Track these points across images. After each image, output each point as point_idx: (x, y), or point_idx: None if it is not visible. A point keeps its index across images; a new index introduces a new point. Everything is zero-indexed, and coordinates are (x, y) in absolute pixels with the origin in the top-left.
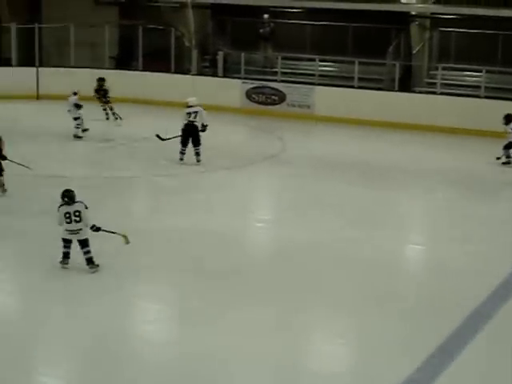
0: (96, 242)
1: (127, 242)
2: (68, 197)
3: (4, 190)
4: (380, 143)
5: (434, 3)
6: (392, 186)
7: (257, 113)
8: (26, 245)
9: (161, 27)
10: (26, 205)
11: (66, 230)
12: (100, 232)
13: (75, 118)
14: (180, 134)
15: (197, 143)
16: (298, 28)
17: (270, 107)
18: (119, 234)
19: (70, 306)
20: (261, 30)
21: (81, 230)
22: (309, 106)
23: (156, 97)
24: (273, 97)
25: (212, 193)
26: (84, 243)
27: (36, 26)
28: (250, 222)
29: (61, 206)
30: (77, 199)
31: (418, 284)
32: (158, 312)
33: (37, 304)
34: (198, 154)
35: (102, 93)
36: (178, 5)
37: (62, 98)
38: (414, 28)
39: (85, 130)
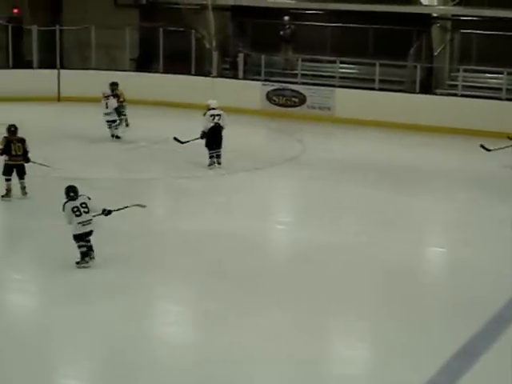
0: (114, 244)
1: (143, 206)
2: (74, 192)
3: (25, 193)
4: (401, 145)
5: (455, 5)
6: (412, 189)
7: (277, 115)
8: (48, 246)
9: (181, 29)
10: (47, 206)
11: (79, 223)
12: (114, 212)
13: (113, 121)
14: (199, 136)
15: (219, 145)
16: (318, 30)
17: (290, 109)
18: (132, 206)
19: (89, 307)
20: (281, 32)
21: (91, 220)
22: (329, 108)
23: (176, 99)
24: (293, 99)
25: (232, 195)
26: (91, 234)
27: (57, 28)
28: (270, 224)
29: (66, 202)
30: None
31: (438, 287)
32: (176, 314)
33: (55, 305)
34: (219, 156)
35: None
36: (198, 7)
37: (83, 100)
38: (435, 30)
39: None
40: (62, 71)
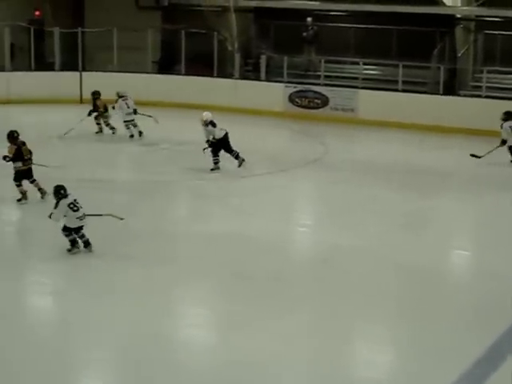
0: (134, 245)
1: (121, 219)
2: (64, 189)
3: (44, 192)
4: (424, 147)
5: (478, 6)
6: (436, 191)
7: (299, 117)
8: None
9: (203, 31)
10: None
11: (77, 218)
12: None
13: (131, 121)
14: (207, 145)
15: (231, 149)
16: (341, 31)
17: (312, 111)
18: (107, 215)
19: (109, 307)
20: (304, 34)
21: (84, 215)
22: (352, 110)
23: (198, 101)
24: (316, 100)
25: (254, 197)
26: (82, 228)
27: (79, 30)
28: (292, 226)
29: (60, 200)
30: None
31: (462, 290)
32: (197, 316)
33: (76, 304)
34: (238, 156)
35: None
36: (220, 9)
37: (105, 102)
38: (458, 31)
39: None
40: (84, 73)
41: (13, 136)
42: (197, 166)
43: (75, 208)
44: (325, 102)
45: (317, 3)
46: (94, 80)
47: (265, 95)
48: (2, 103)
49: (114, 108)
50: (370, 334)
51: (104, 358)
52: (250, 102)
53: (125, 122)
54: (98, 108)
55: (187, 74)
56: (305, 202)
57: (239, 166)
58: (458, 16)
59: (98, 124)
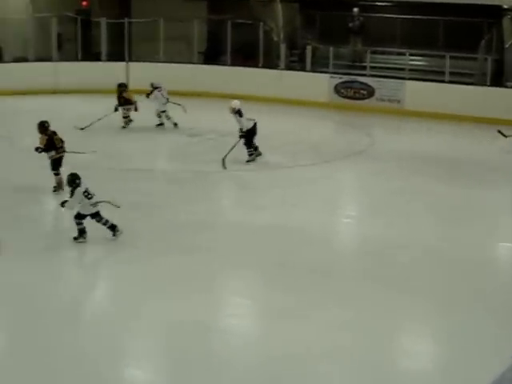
0: (179, 236)
1: (117, 206)
2: (78, 178)
3: (61, 189)
4: (470, 139)
5: None
6: (482, 183)
7: (345, 107)
8: (123, 237)
9: (249, 22)
10: (114, 198)
11: (91, 205)
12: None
13: (164, 111)
14: (239, 136)
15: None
16: (387, 22)
17: (358, 102)
18: (105, 202)
19: (155, 298)
20: (350, 24)
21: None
22: (398, 101)
23: (244, 92)
24: (361, 91)
25: (298, 188)
26: (98, 214)
27: (126, 20)
28: (337, 217)
29: (75, 188)
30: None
31: (510, 283)
32: (238, 307)
33: (122, 295)
34: (257, 148)
35: (122, 100)
36: None
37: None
38: (506, 21)
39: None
40: (130, 64)
41: (43, 126)
42: (241, 156)
43: (89, 196)
44: (371, 92)
45: None
46: (139, 70)
47: (310, 86)
48: (50, 93)
49: (148, 97)
50: (416, 327)
51: (147, 346)
52: (295, 93)
53: (159, 111)
54: (130, 100)
55: (233, 64)
56: (349, 194)
57: (247, 161)
58: (506, 7)
59: (124, 117)
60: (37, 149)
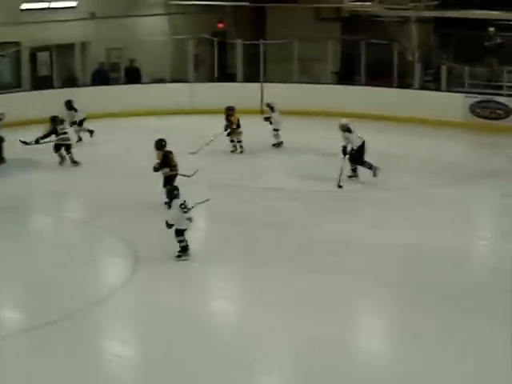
0: (312, 254)
1: (207, 200)
2: (177, 189)
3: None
4: None
5: None
6: None
7: (481, 127)
8: (257, 255)
9: (384, 42)
10: (251, 215)
11: (187, 219)
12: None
13: (278, 130)
14: (343, 154)
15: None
16: None
17: (494, 122)
18: (200, 202)
19: (286, 315)
20: (486, 43)
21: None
22: None
23: (378, 111)
24: (498, 111)
25: (433, 208)
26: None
27: (261, 42)
28: (473, 239)
29: (172, 199)
30: None
31: None
32: (372, 327)
33: (252, 311)
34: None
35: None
36: (401, 19)
37: (285, 113)
38: None
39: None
40: (264, 84)
41: (160, 144)
42: (379, 177)
43: (186, 209)
44: (507, 112)
45: (499, 13)
46: (274, 91)
47: (445, 105)
48: (186, 113)
49: (267, 120)
50: None
51: (280, 361)
52: (430, 113)
53: (274, 130)
54: (232, 124)
55: (367, 84)
56: (486, 215)
57: (374, 175)
58: None
59: (231, 141)
60: (155, 167)
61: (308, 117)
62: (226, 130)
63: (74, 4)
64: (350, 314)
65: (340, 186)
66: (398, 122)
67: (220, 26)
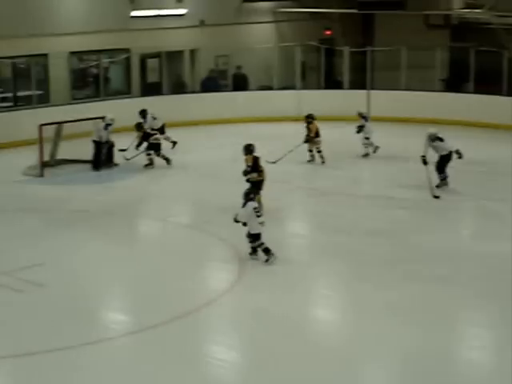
0: (426, 263)
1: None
2: (254, 194)
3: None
4: None
5: None
6: None
7: None
8: (363, 264)
9: (493, 49)
10: (357, 224)
11: (260, 223)
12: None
13: (369, 139)
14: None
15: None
16: None
17: None
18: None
19: (390, 324)
20: None
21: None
22: None
23: (488, 119)
24: None
25: None
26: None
27: (368, 49)
28: None
29: (247, 201)
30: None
31: None
32: (481, 339)
33: (366, 322)
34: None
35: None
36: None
37: (392, 120)
38: None
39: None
40: (371, 92)
41: (248, 149)
42: (487, 186)
43: (259, 213)
44: None
45: None
46: (380, 99)
47: None
48: (293, 120)
49: (360, 129)
50: None
51: (385, 371)
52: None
53: (366, 138)
54: (310, 132)
55: (476, 92)
56: None
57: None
58: None
59: (309, 151)
60: (245, 171)
61: (413, 124)
62: (306, 141)
63: (183, 12)
64: (457, 325)
65: (436, 197)
66: (509, 130)
67: (327, 33)
